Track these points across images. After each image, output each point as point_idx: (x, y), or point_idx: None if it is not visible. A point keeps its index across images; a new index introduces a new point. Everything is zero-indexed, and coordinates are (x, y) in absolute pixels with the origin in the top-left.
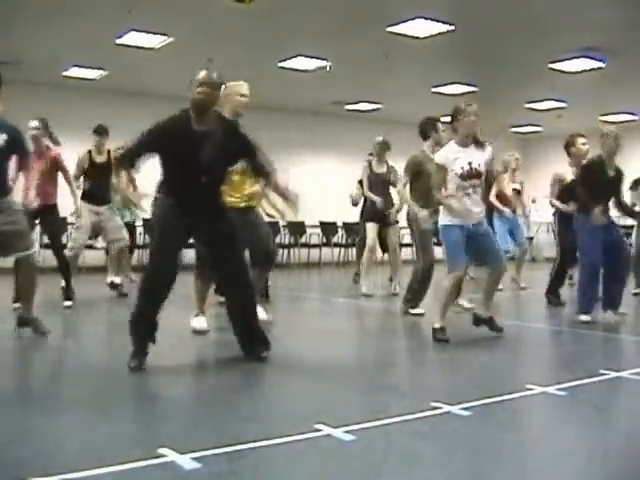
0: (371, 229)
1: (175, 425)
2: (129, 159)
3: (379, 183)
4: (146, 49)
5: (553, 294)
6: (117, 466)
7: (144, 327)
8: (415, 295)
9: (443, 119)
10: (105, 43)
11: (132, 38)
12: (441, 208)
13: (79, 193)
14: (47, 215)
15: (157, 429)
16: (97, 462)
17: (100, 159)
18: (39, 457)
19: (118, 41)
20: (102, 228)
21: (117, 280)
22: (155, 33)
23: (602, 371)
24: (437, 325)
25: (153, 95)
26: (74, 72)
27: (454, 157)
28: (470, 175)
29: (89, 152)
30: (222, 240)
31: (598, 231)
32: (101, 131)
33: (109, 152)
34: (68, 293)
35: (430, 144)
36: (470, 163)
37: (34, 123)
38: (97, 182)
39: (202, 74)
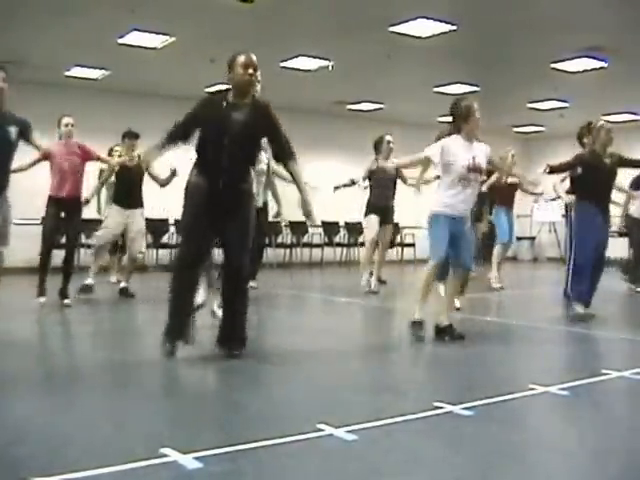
0: (374, 222)
1: (177, 425)
2: (178, 135)
3: (384, 182)
4: (148, 49)
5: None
6: (119, 466)
7: (176, 310)
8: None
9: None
10: (107, 43)
11: (134, 38)
12: (434, 196)
13: (105, 193)
14: (74, 210)
15: (159, 429)
16: (99, 462)
17: (131, 163)
18: (40, 457)
19: (120, 41)
20: (127, 231)
21: (123, 284)
22: (157, 33)
23: (604, 371)
24: (416, 317)
25: (155, 95)
26: (76, 72)
27: (458, 150)
28: (474, 169)
29: (119, 156)
30: (233, 240)
31: (595, 225)
32: (132, 135)
33: (140, 156)
34: (65, 292)
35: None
36: (474, 157)
37: (69, 119)
38: (128, 185)
39: (244, 56)
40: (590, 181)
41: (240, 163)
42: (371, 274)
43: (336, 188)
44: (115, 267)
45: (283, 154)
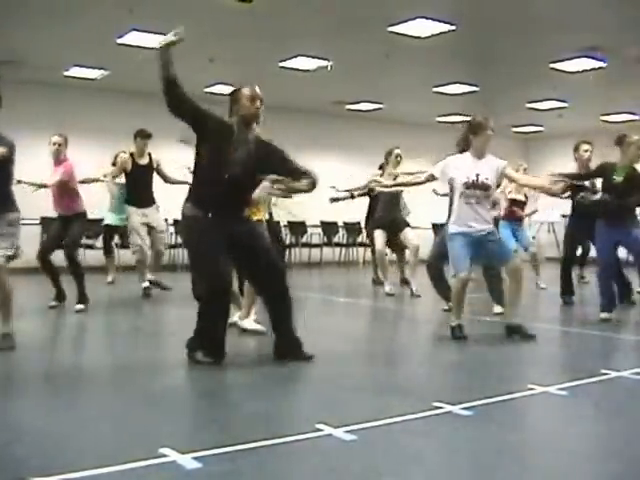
0: (379, 235)
1: (176, 425)
2: (182, 106)
3: (390, 194)
4: (147, 49)
5: None
6: (118, 466)
7: (210, 336)
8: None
9: (442, 118)
10: (106, 43)
11: (133, 38)
12: (452, 215)
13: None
14: (73, 221)
15: (158, 429)
16: (98, 462)
17: (143, 161)
18: (39, 457)
19: (119, 41)
20: (150, 229)
21: (152, 277)
22: (156, 33)
23: (603, 371)
24: (454, 323)
25: (154, 95)
26: (75, 72)
27: (461, 166)
28: (476, 185)
29: (131, 154)
30: (242, 252)
31: (612, 232)
32: (144, 135)
33: (150, 155)
34: (79, 296)
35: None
36: (478, 175)
37: (56, 138)
38: (140, 184)
39: (249, 89)
40: (604, 194)
41: (238, 197)
42: (375, 280)
43: (333, 200)
44: (112, 267)
45: (299, 177)
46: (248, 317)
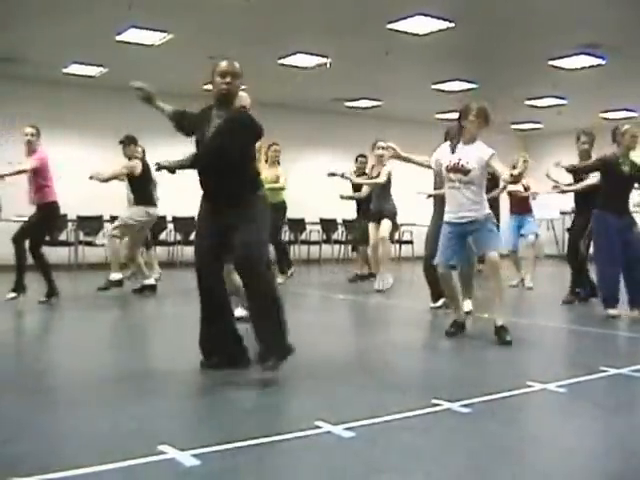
0: (373, 229)
1: (175, 422)
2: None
3: (381, 188)
4: (146, 46)
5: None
6: (117, 463)
7: (206, 328)
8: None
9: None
10: (105, 40)
11: (132, 35)
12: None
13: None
14: (35, 213)
15: (157, 426)
16: (97, 459)
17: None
18: (39, 454)
19: (118, 38)
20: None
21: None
22: (155, 30)
23: (602, 368)
24: (450, 319)
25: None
26: (74, 69)
27: (446, 152)
28: (454, 169)
29: (144, 152)
30: (233, 232)
31: (614, 228)
32: (127, 141)
33: (144, 152)
34: (50, 290)
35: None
36: (460, 159)
37: (28, 129)
38: (141, 184)
39: (224, 63)
40: (609, 187)
41: (224, 182)
42: (371, 275)
43: (330, 174)
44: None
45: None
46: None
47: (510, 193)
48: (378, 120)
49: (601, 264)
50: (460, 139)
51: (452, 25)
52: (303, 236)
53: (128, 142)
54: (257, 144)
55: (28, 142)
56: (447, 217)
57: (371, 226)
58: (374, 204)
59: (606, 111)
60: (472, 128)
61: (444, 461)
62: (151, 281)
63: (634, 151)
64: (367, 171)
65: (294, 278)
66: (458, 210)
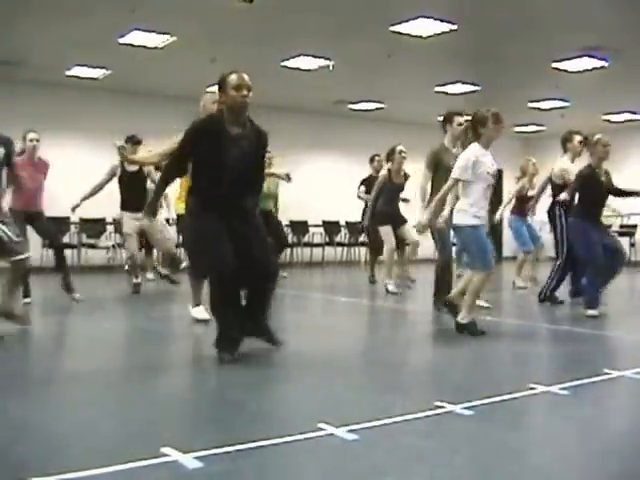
0: (389, 231)
1: (178, 424)
2: (176, 166)
3: (395, 190)
4: (149, 48)
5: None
6: (119, 465)
7: (228, 324)
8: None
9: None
10: (108, 43)
11: (135, 37)
12: (465, 208)
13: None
14: (40, 219)
15: (160, 428)
16: (99, 461)
17: (132, 167)
18: (40, 457)
19: (121, 40)
20: (152, 232)
21: (150, 276)
22: (158, 32)
23: (605, 370)
24: (465, 320)
25: (156, 94)
26: (77, 72)
27: (482, 157)
28: (494, 175)
29: (121, 162)
30: (243, 241)
31: (592, 230)
32: (133, 141)
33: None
34: (69, 287)
35: (449, 138)
36: (493, 165)
37: (33, 135)
38: (131, 190)
39: (236, 76)
40: (588, 197)
41: (242, 190)
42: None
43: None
44: (150, 265)
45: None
46: (198, 307)
47: (519, 197)
48: (381, 123)
49: (588, 266)
50: (465, 142)
51: (455, 27)
52: (306, 238)
53: (133, 143)
54: None
55: (34, 147)
56: (482, 220)
57: (387, 230)
58: (386, 207)
59: (609, 113)
60: (494, 134)
61: (447, 463)
62: (139, 280)
63: (606, 160)
64: (381, 174)
65: (298, 280)
66: (484, 212)
